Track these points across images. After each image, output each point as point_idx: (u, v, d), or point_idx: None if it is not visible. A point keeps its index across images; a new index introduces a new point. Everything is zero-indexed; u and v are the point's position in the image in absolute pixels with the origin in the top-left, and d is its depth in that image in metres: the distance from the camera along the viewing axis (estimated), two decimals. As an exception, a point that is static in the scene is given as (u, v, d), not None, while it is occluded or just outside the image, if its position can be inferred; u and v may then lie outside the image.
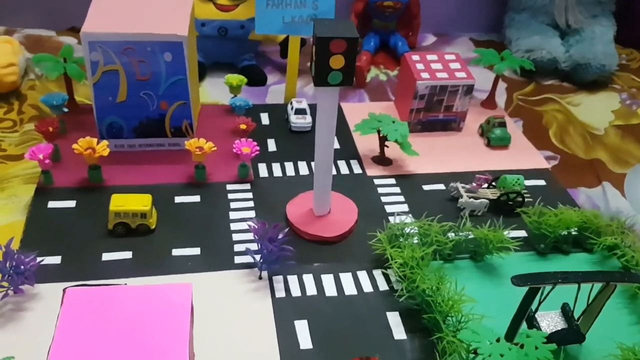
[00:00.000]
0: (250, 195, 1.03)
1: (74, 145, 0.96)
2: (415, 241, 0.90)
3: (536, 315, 0.79)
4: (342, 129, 1.22)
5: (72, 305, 0.66)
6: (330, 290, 0.87)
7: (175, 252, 0.91)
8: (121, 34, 0.95)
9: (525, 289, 0.73)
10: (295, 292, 0.86)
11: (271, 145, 1.15)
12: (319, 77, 0.80)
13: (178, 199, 1.00)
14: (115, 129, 1.05)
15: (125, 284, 0.75)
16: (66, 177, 1.01)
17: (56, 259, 0.87)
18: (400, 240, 0.89)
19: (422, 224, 0.89)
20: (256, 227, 0.87)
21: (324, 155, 0.90)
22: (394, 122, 1.09)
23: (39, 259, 0.82)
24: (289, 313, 0.83)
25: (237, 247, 0.92)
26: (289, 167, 1.10)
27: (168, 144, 1.09)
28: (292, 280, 0.88)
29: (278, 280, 0.88)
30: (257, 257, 0.87)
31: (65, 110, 1.06)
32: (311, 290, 0.87)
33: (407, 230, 0.90)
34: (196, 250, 0.91)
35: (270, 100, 1.35)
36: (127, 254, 0.89)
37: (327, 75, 0.80)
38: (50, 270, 0.84)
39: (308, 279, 0.88)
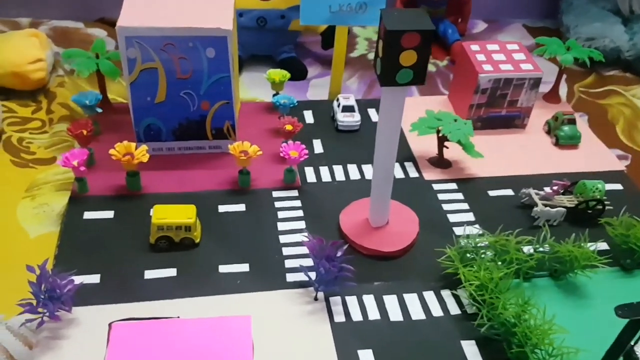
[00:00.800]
0: (298, 203, 0.94)
1: (111, 151, 0.89)
2: (487, 253, 0.81)
3: (635, 348, 0.70)
4: (393, 127, 1.13)
5: (120, 342, 0.58)
6: (395, 313, 0.78)
7: (223, 268, 0.83)
8: (161, 28, 0.86)
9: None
10: (356, 315, 0.78)
11: (317, 146, 1.07)
12: (387, 75, 0.71)
13: (222, 208, 0.92)
14: (154, 131, 0.97)
15: (178, 316, 0.68)
16: (101, 183, 0.94)
17: (95, 278, 0.79)
18: (472, 256, 0.81)
19: (498, 238, 0.80)
20: (311, 243, 0.79)
21: (385, 162, 0.81)
22: (455, 120, 0.99)
23: (76, 279, 0.76)
24: (350, 340, 0.75)
25: (289, 263, 0.84)
26: (338, 170, 1.02)
27: (209, 146, 1.01)
28: (352, 301, 0.79)
29: (336, 301, 0.79)
30: (312, 274, 0.79)
31: (99, 110, 0.98)
32: (373, 313, 0.78)
33: (481, 244, 0.81)
34: (244, 267, 0.83)
35: (311, 95, 1.26)
36: (171, 271, 0.82)
37: (395, 73, 0.71)
38: (89, 291, 0.77)
39: (369, 300, 0.80)
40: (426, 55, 0.69)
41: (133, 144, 0.90)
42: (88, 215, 0.88)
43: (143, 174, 0.94)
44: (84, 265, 0.81)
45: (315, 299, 0.79)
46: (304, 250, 0.85)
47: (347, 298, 0.80)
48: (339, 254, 0.77)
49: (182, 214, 0.84)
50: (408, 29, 0.67)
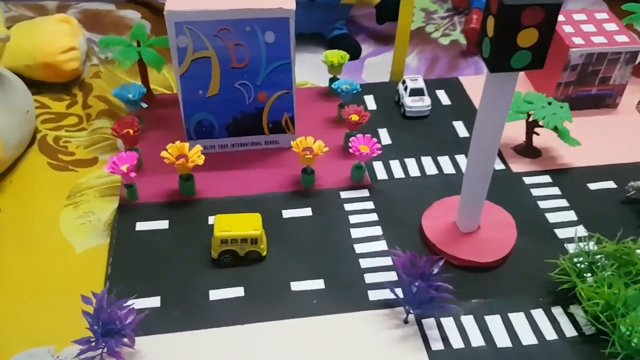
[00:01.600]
0: (370, 204, 0.84)
1: (164, 154, 0.79)
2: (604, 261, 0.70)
3: None
4: (466, 110, 1.01)
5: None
6: (502, 338, 0.67)
7: (295, 286, 0.73)
8: (215, 11, 0.75)
9: None
10: (457, 342, 0.67)
11: (384, 136, 0.95)
12: (499, 59, 0.58)
13: (286, 213, 0.82)
14: (205, 127, 0.87)
15: None
16: (152, 188, 0.84)
17: (155, 301, 0.70)
18: (585, 266, 0.70)
19: (619, 247, 0.69)
20: (402, 260, 0.68)
21: (486, 159, 0.70)
22: (550, 103, 0.86)
23: (136, 304, 0.67)
24: (453, 373, 0.65)
25: (369, 278, 0.74)
26: (411, 165, 0.90)
27: (265, 141, 0.91)
28: (449, 324, 0.69)
29: (430, 324, 0.69)
30: (398, 291, 0.69)
31: (144, 105, 0.88)
32: (476, 339, 0.67)
33: (599, 256, 0.69)
34: (319, 283, 0.73)
35: (367, 77, 1.13)
36: (239, 291, 0.72)
37: (510, 56, 0.58)
38: (150, 317, 0.67)
39: (469, 322, 0.69)
40: (550, 34, 0.57)
41: (186, 145, 0.80)
42: (140, 226, 0.79)
43: (196, 175, 0.84)
44: (141, 286, 0.71)
45: (406, 321, 0.69)
46: (385, 261, 0.75)
47: (443, 320, 0.69)
48: (435, 270, 0.67)
49: (247, 225, 0.74)
50: (530, 3, 0.55)
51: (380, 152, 0.83)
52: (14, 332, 0.69)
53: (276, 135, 0.90)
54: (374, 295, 0.72)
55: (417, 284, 0.66)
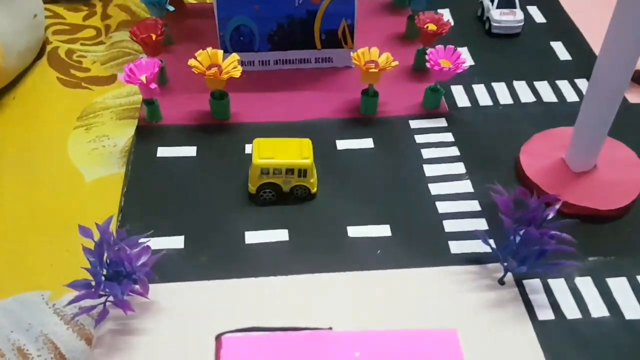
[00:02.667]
0: (449, 136, 0.67)
1: (191, 62, 0.63)
2: None
3: None
4: (565, 30, 0.81)
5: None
6: (630, 307, 0.51)
7: (353, 231, 0.57)
8: None
9: None
10: (571, 311, 0.50)
11: (465, 56, 0.76)
12: None
13: (341, 144, 0.66)
14: (244, 36, 0.70)
15: (330, 328, 0.44)
16: (178, 109, 0.69)
17: (177, 242, 0.55)
18: None
19: None
20: (505, 199, 0.52)
21: (618, 75, 0.52)
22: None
23: (152, 243, 0.51)
24: (569, 353, 0.48)
25: (450, 225, 0.57)
26: (501, 90, 0.72)
27: (315, 58, 0.74)
28: (559, 288, 0.52)
29: (533, 287, 0.52)
30: (493, 244, 0.52)
31: (171, 9, 0.72)
32: (597, 307, 0.50)
33: None
34: (384, 230, 0.57)
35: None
36: (282, 234, 0.57)
37: None
38: (169, 259, 0.53)
39: (585, 285, 0.52)
40: None
41: (220, 52, 0.64)
42: (163, 152, 0.64)
43: (231, 95, 0.69)
44: (160, 223, 0.56)
45: (501, 282, 0.53)
46: (470, 205, 0.59)
47: (551, 282, 0.53)
48: (550, 215, 0.50)
49: (294, 152, 0.58)
50: None
51: (466, 67, 0.66)
52: (6, 272, 0.56)
53: (330, 50, 0.73)
54: (456, 247, 0.55)
55: (522, 232, 0.49)
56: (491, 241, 0.53)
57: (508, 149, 0.64)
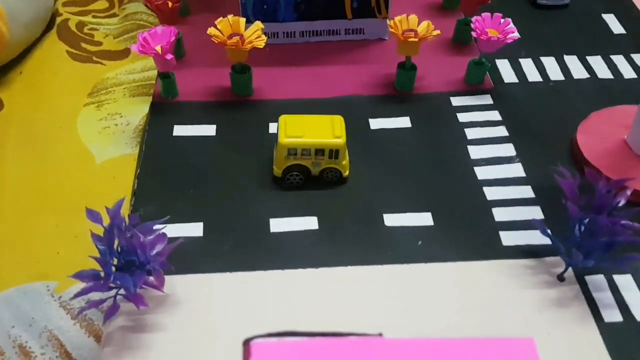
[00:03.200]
0: (495, 114, 0.60)
1: (211, 30, 0.56)
2: None
3: None
4: (618, 1, 0.74)
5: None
6: None
7: (390, 219, 0.51)
8: None
9: None
10: (641, 312, 0.46)
11: (508, 29, 0.71)
12: None
13: (375, 123, 0.60)
14: (268, 4, 0.64)
15: (380, 334, 0.38)
16: (195, 83, 0.63)
17: (195, 229, 0.50)
18: None
19: None
20: (570, 182, 0.45)
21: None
22: None
23: (169, 231, 0.46)
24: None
25: (500, 214, 0.51)
26: (551, 65, 0.65)
27: (345, 30, 0.68)
28: (628, 286, 0.46)
29: (598, 284, 0.46)
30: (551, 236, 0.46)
31: (187, -26, 0.67)
32: (675, 309, 0.46)
33: None
34: (425, 218, 0.51)
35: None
36: (311, 222, 0.51)
37: None
38: (187, 250, 0.48)
39: (658, 283, 0.47)
40: None
41: (242, 20, 0.58)
42: (179, 130, 0.58)
43: (254, 70, 0.63)
44: (177, 208, 0.51)
45: (561, 278, 0.46)
46: (523, 191, 0.52)
47: (616, 278, 0.47)
48: (621, 202, 0.44)
49: (325, 130, 0.52)
50: None
51: (516, 37, 0.59)
52: (8, 259, 0.51)
53: (362, 20, 0.66)
54: (508, 238, 0.49)
55: (587, 221, 0.43)
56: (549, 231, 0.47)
57: (562, 129, 0.58)
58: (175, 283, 0.46)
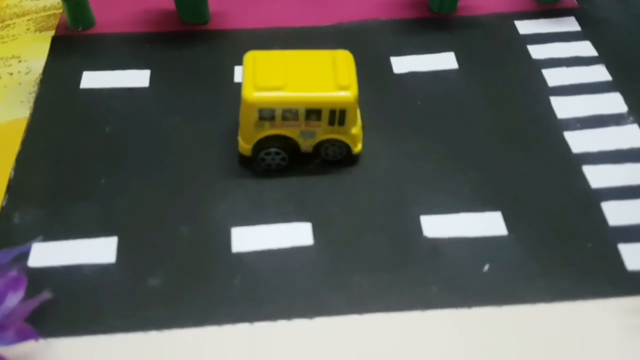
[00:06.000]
0: (587, 47, 0.41)
1: None
2: None
3: None
4: None
5: None
6: None
7: (430, 226, 0.30)
8: None
9: None
10: None
11: None
12: None
13: (401, 65, 0.39)
14: None
15: None
16: (119, 7, 0.42)
17: (105, 249, 0.29)
18: None
19: None
20: None
21: None
22: None
23: (58, 257, 0.27)
24: None
25: (613, 212, 0.30)
26: (660, -28, 0.45)
27: None
28: None
29: None
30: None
31: None
32: None
33: None
34: (493, 222, 0.30)
35: None
36: (301, 232, 0.30)
37: None
38: (85, 286, 0.28)
39: None
40: None
41: None
42: (91, 79, 0.37)
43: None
44: (77, 211, 0.31)
45: None
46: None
47: None
48: None
49: (322, 76, 0.31)
50: None
51: None
52: None
53: None
54: (636, 255, 0.30)
55: None
56: None
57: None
58: (57, 354, 0.26)
